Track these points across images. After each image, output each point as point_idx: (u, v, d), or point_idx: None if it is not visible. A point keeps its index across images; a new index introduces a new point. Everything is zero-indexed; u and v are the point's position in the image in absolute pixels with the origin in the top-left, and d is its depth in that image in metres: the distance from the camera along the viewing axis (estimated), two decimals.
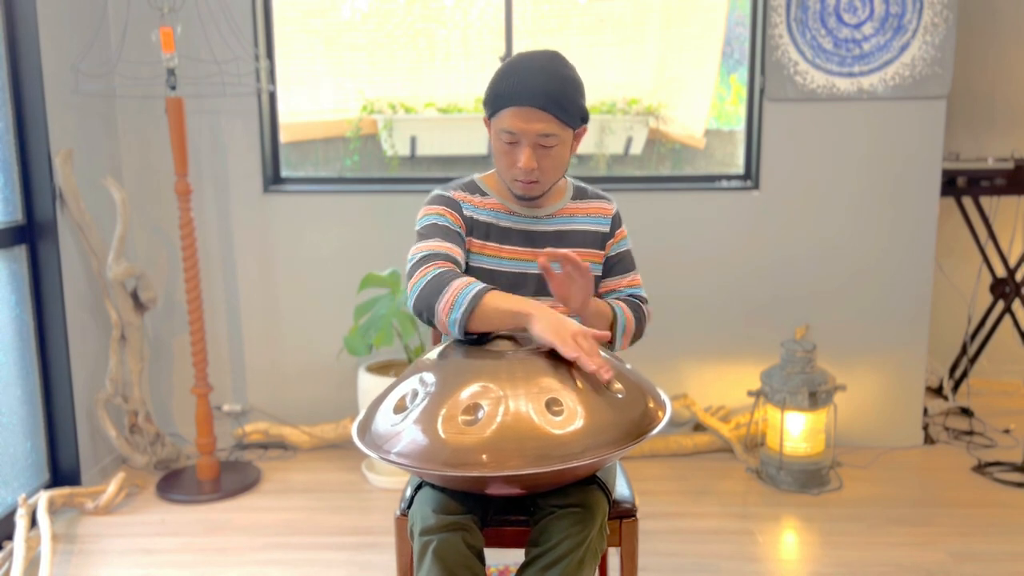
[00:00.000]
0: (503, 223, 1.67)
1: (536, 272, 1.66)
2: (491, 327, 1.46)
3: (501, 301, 1.44)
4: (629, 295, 1.75)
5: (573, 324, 1.39)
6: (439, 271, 1.52)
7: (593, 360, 1.34)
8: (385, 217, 3.10)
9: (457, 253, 1.60)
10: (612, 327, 1.66)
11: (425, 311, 1.51)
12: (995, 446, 3.17)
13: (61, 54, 2.71)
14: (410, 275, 1.56)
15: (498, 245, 1.66)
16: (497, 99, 1.54)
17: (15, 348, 2.63)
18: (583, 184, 1.77)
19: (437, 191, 1.69)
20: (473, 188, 1.70)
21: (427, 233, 1.61)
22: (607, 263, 1.74)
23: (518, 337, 1.46)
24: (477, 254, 1.66)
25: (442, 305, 1.47)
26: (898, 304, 3.11)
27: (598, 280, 1.73)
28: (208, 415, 2.87)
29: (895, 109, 2.99)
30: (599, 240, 1.71)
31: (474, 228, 1.66)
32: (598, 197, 1.75)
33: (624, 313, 1.69)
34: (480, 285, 1.47)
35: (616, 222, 1.74)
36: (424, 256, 1.56)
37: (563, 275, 1.52)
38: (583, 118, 1.58)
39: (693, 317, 3.14)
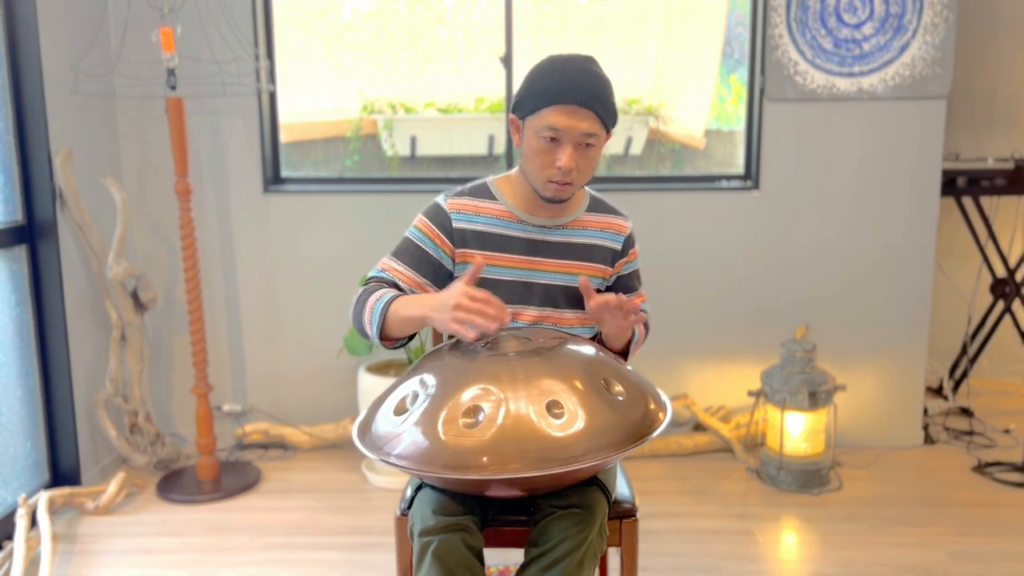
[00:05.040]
0: (505, 231, 1.64)
1: (542, 282, 1.65)
2: (406, 332, 1.55)
3: (403, 308, 1.51)
4: None
5: (453, 297, 1.42)
6: (363, 290, 1.60)
7: (472, 332, 1.40)
8: (385, 217, 3.09)
9: (407, 280, 1.62)
10: (628, 343, 1.70)
11: (359, 331, 1.60)
12: (995, 446, 3.17)
13: (61, 54, 2.70)
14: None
15: (498, 255, 1.63)
16: (539, 96, 1.52)
17: (15, 348, 2.63)
18: (600, 196, 1.74)
19: (439, 197, 1.67)
20: (481, 192, 1.67)
21: (399, 248, 1.66)
22: (617, 281, 1.74)
23: (521, 338, 1.46)
24: None
25: (365, 323, 1.57)
26: (898, 304, 3.11)
27: (600, 293, 1.73)
28: (208, 415, 2.87)
29: (895, 109, 2.99)
30: (608, 256, 1.69)
31: (468, 239, 1.63)
32: (615, 213, 1.72)
33: (639, 330, 1.73)
34: (388, 296, 1.54)
35: (629, 242, 1.72)
36: (369, 279, 1.64)
37: (609, 309, 1.52)
38: (615, 122, 1.58)
39: (693, 317, 3.14)
